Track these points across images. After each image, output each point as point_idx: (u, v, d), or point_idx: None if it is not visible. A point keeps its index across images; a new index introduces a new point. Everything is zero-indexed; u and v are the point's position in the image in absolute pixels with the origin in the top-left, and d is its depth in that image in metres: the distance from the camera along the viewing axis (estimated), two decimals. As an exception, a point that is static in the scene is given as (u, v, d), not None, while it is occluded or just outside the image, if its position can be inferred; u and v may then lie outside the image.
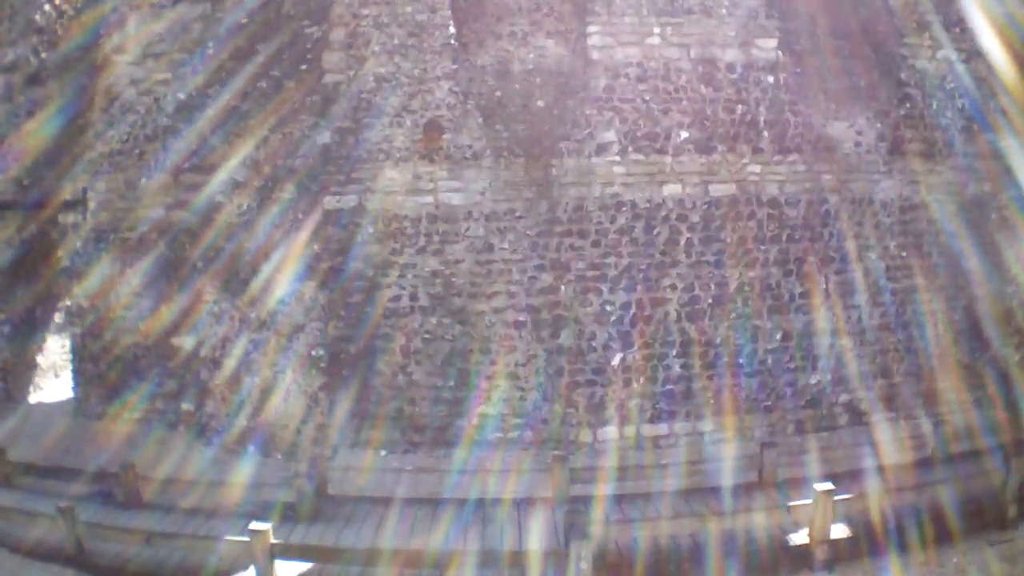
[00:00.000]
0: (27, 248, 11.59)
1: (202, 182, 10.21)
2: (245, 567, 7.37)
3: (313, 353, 9.79)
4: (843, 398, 10.07)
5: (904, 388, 10.25)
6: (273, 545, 7.19)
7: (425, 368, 9.74)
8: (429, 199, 9.64)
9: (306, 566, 7.49)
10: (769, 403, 9.90)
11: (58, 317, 12.55)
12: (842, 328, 10.02)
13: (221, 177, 10.05)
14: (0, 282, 11.54)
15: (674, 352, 9.73)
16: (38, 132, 11.22)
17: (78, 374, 11.12)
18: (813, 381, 10.00)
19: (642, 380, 9.70)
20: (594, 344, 9.68)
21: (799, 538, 7.60)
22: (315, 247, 9.77)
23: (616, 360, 9.68)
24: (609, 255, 9.62)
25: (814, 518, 7.44)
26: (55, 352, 12.64)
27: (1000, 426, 10.00)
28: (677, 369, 9.75)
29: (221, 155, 10.11)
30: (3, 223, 11.36)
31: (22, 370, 12.04)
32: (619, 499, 8.45)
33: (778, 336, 9.89)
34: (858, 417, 10.04)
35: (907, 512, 7.91)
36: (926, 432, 9.77)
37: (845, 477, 8.45)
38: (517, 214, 9.60)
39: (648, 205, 9.63)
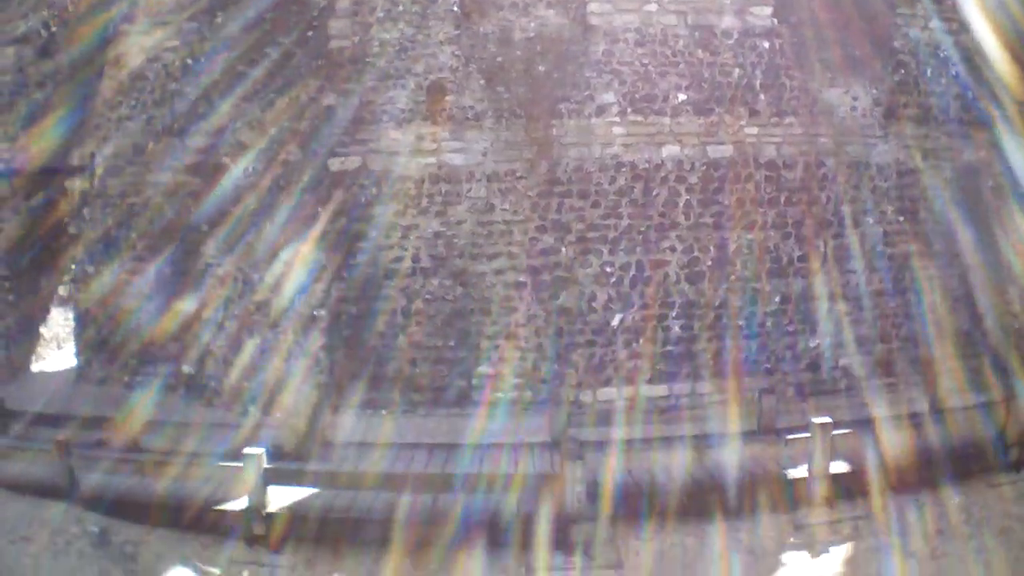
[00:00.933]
0: (33, 216, 11.68)
1: (209, 145, 10.36)
2: (238, 495, 7.38)
3: (315, 313, 9.85)
4: (842, 362, 10.11)
5: (902, 353, 10.30)
6: (266, 470, 7.21)
7: (426, 329, 9.80)
8: (432, 160, 9.77)
9: (299, 494, 7.51)
10: (769, 365, 9.93)
11: (62, 290, 12.60)
12: (840, 292, 10.09)
13: (227, 139, 10.19)
14: (5, 250, 11.62)
15: (674, 313, 9.79)
16: (47, 102, 11.38)
17: (80, 340, 11.16)
18: (812, 345, 10.04)
19: (642, 341, 9.76)
20: (594, 305, 9.74)
21: (798, 473, 7.61)
22: (318, 208, 9.89)
23: (616, 321, 9.73)
24: (609, 216, 9.73)
25: (813, 452, 7.45)
26: (58, 324, 12.68)
27: (994, 389, 10.00)
28: (677, 330, 9.80)
29: (228, 118, 10.27)
30: (10, 190, 11.47)
31: (25, 339, 12.08)
32: (616, 443, 8.44)
33: (777, 299, 9.95)
34: (857, 381, 10.07)
35: (906, 453, 7.92)
36: (923, 393, 9.78)
37: (845, 426, 8.44)
38: (518, 174, 9.72)
39: (647, 166, 9.76)
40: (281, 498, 7.60)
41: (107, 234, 10.80)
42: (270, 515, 7.30)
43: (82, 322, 11.11)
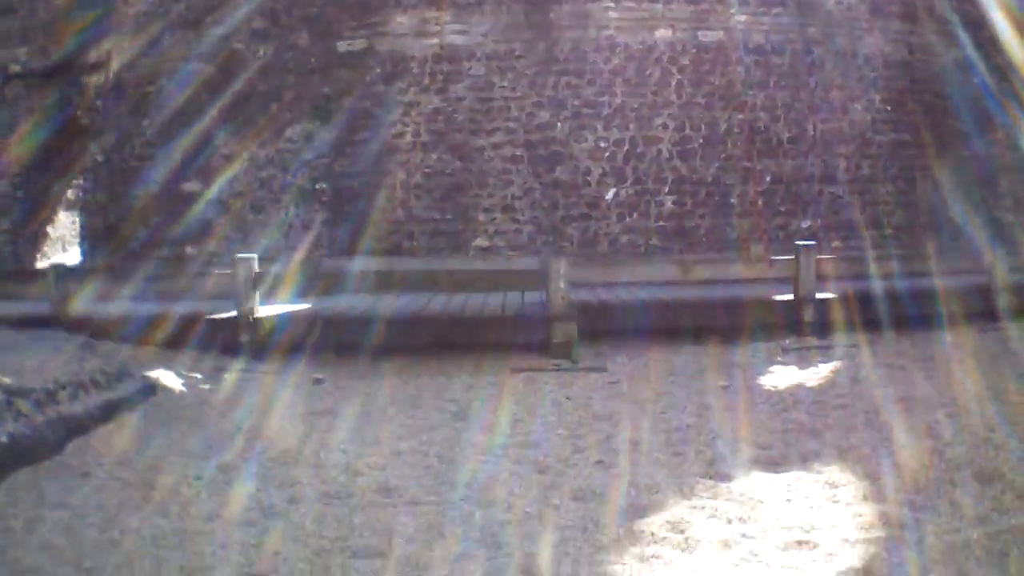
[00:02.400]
0: (47, 115, 12.11)
1: (223, 35, 10.86)
2: (228, 308, 7.49)
3: (317, 187, 10.15)
4: (835, 244, 10.23)
5: (895, 240, 10.42)
6: (257, 275, 7.33)
7: (424, 203, 10.08)
8: (434, 41, 10.23)
9: (287, 307, 7.62)
10: (761, 246, 10.07)
11: (70, 193, 12.96)
12: (831, 176, 10.30)
13: (241, 28, 10.70)
14: (18, 148, 12.03)
15: (666, 189, 10.02)
16: (66, 8, 11.95)
17: (87, 229, 11.48)
18: (805, 225, 10.20)
19: (635, 215, 9.97)
20: (589, 179, 10.00)
21: (784, 297, 7.67)
22: (325, 88, 10.31)
23: (610, 195, 9.96)
24: (604, 94, 10.08)
25: (798, 275, 7.51)
26: (64, 226, 13.00)
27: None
28: (669, 206, 10.01)
29: (241, 8, 10.80)
30: (26, 90, 11.93)
31: (31, 238, 12.39)
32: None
33: (768, 179, 10.17)
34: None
35: (898, 295, 7.96)
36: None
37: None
38: (517, 54, 10.14)
39: (641, 47, 10.15)
40: (270, 310, 7.72)
41: (120, 125, 11.24)
42: (257, 321, 7.40)
43: (88, 209, 11.46)
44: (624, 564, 3.91)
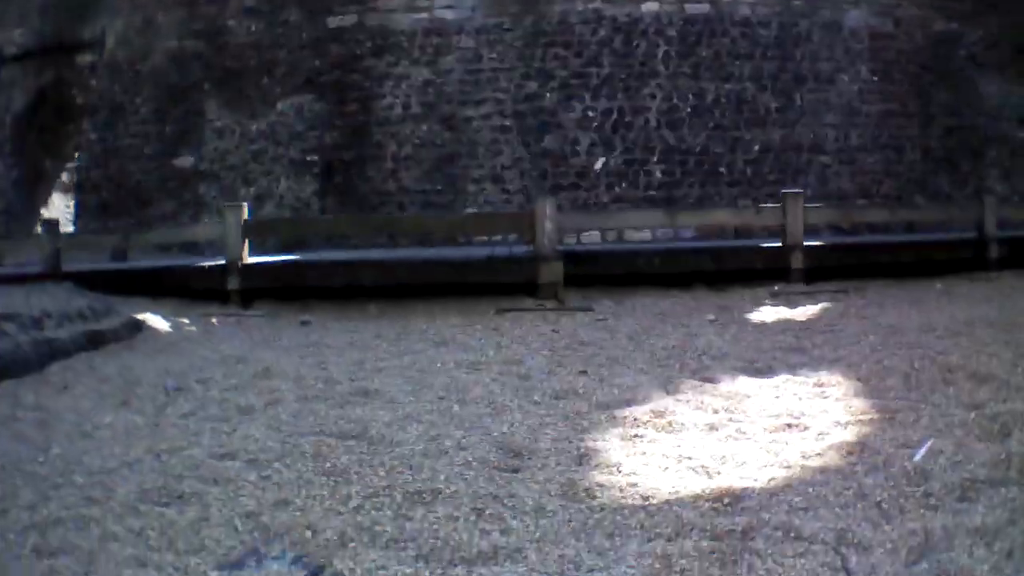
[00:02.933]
0: (43, 96, 12.19)
1: (216, 12, 11.00)
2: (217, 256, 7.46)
3: (308, 159, 10.19)
4: (824, 212, 10.23)
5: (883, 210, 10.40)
6: (246, 222, 7.30)
7: (414, 174, 10.10)
8: (424, 15, 10.36)
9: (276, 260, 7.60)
10: (749, 202, 10.06)
11: (65, 176, 12.98)
12: (819, 146, 10.34)
13: (232, 5, 10.85)
14: (14, 130, 12.09)
15: (655, 158, 10.05)
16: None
17: (81, 206, 11.49)
18: (794, 194, 10.20)
19: (624, 184, 9.98)
20: (578, 148, 10.04)
21: (773, 244, 7.63)
22: (316, 62, 10.42)
23: (599, 164, 10.00)
24: (591, 65, 10.18)
25: (785, 223, 7.47)
26: (59, 210, 12.98)
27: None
28: (658, 175, 10.04)
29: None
30: (21, 71, 12.01)
31: (26, 219, 12.36)
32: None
33: (756, 148, 10.21)
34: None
35: (888, 245, 7.93)
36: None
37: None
38: (505, 27, 10.27)
39: (628, 19, 10.28)
40: (259, 260, 7.68)
41: (114, 102, 11.31)
42: (246, 267, 7.35)
43: (83, 186, 11.49)
44: (606, 441, 3.82)
